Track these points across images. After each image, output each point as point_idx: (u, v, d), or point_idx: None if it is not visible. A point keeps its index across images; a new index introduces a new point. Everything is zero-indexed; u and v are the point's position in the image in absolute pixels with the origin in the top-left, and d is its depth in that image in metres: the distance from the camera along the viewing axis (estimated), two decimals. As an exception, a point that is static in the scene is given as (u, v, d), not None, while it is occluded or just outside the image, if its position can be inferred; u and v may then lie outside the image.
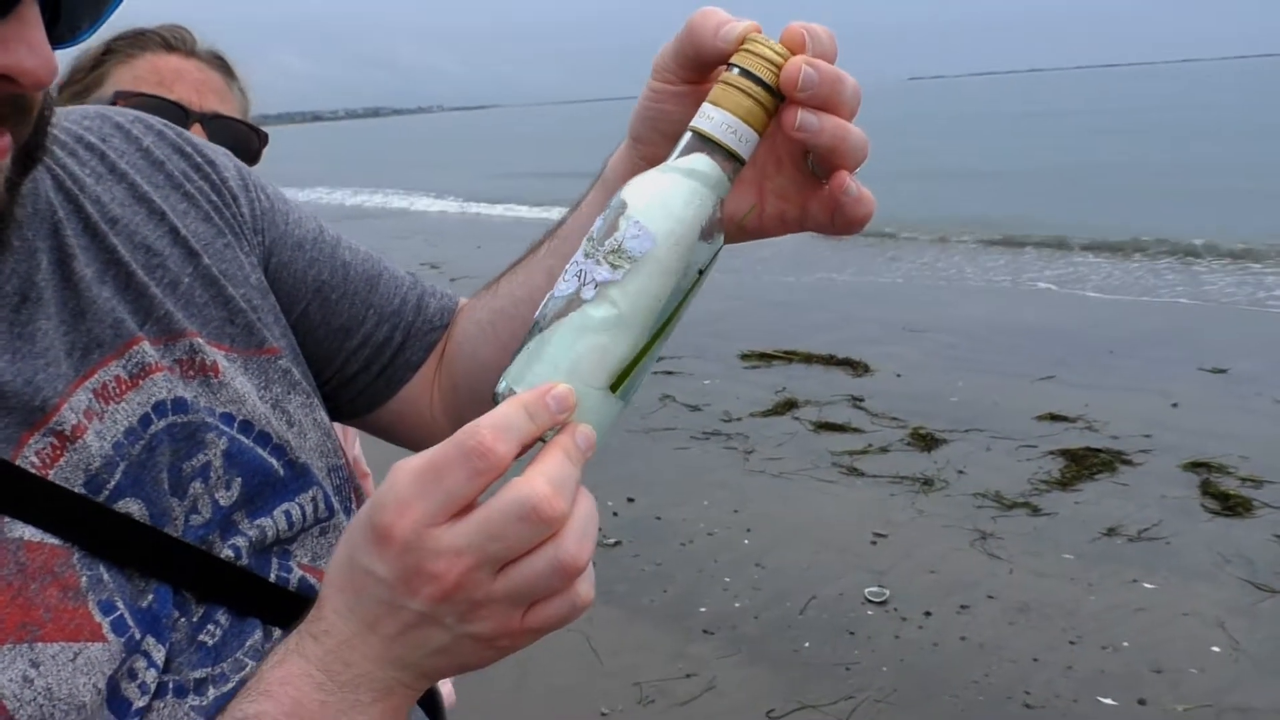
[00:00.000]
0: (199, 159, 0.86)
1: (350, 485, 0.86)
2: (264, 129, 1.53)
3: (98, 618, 0.61)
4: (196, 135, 0.95)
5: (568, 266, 0.61)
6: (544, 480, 0.54)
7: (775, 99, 0.64)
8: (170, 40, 1.48)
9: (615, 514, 4.70)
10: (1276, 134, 24.83)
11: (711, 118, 0.63)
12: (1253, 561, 4.06)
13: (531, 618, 0.57)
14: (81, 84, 1.44)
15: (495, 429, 0.54)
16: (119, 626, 0.62)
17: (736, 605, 3.93)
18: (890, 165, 20.57)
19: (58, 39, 0.58)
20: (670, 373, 7.05)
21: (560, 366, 0.59)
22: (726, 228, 0.70)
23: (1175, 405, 5.92)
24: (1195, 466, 4.98)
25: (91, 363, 0.69)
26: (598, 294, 0.59)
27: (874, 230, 13.58)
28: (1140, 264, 10.70)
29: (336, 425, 0.95)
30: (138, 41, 1.46)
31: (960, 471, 5.11)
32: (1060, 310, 8.79)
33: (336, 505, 0.81)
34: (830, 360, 7.20)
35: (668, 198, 0.61)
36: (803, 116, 0.63)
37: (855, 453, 5.44)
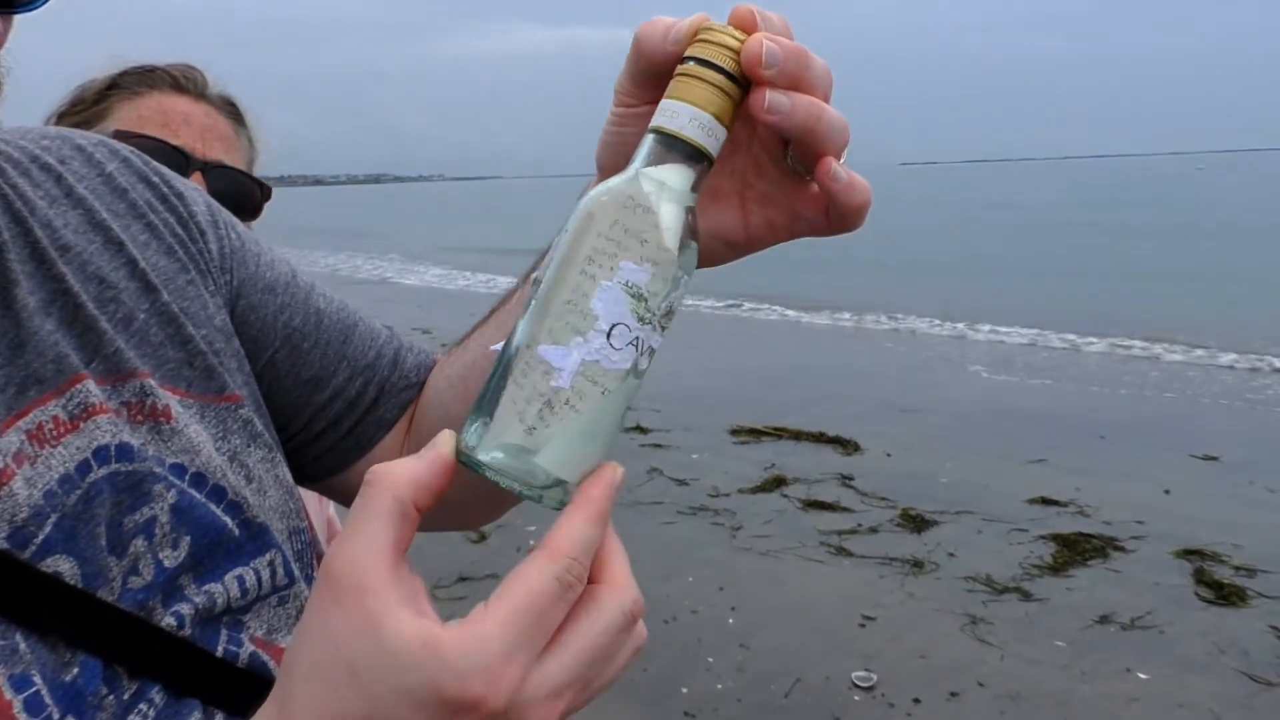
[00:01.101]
0: (166, 190, 0.81)
1: (314, 551, 0.79)
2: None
3: (8, 695, 0.54)
4: (195, 183, 0.90)
5: (610, 328, 0.53)
6: (625, 575, 0.52)
7: (739, 87, 0.58)
8: (180, 80, 1.42)
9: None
10: (1263, 233, 25.20)
11: (674, 113, 0.57)
12: (1248, 652, 3.97)
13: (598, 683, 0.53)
14: (82, 116, 1.38)
15: (583, 551, 0.50)
16: (34, 705, 0.55)
17: (719, 687, 3.82)
18: (885, 249, 20.77)
19: (9, 3, 0.56)
20: (658, 446, 6.98)
21: (609, 445, 0.55)
22: (714, 246, 0.67)
23: (1167, 492, 5.86)
24: (1188, 554, 4.91)
25: (27, 400, 0.62)
26: (648, 360, 0.55)
27: (864, 310, 13.66)
28: (1130, 352, 10.71)
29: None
30: (146, 79, 1.41)
31: (951, 554, 5.03)
32: (1050, 395, 8.77)
33: (297, 572, 0.74)
34: (820, 438, 7.14)
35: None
36: (771, 97, 0.57)
37: (844, 532, 5.35)
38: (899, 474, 6.32)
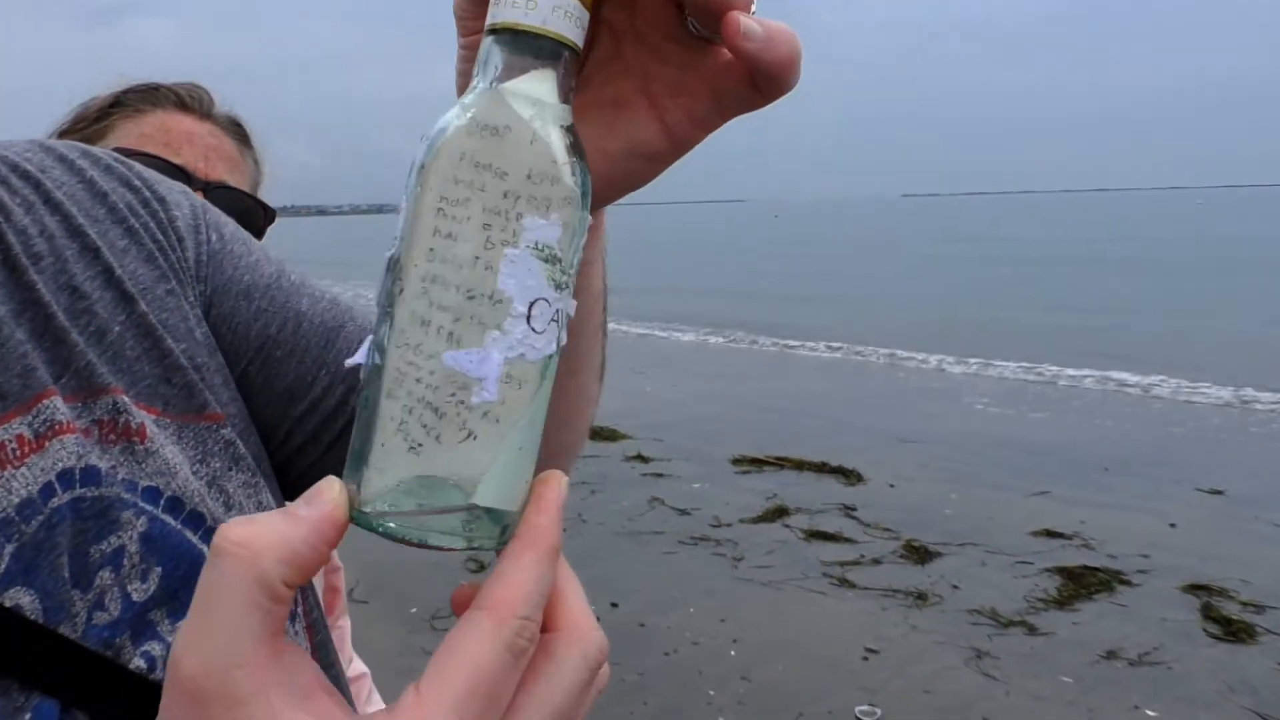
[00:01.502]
0: (148, 193, 0.76)
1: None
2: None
3: None
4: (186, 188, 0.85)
5: (529, 308, 0.42)
6: (584, 616, 0.45)
7: None
8: (185, 99, 1.39)
9: (598, 619, 4.49)
10: (1262, 268, 25.24)
11: (527, 1, 0.44)
12: (1258, 690, 3.91)
13: None
14: (83, 134, 1.35)
15: (536, 603, 0.41)
16: None
17: (721, 720, 3.76)
18: (882, 280, 20.78)
19: None
20: (659, 475, 6.94)
21: (538, 451, 0.45)
22: (633, 165, 0.55)
23: (1173, 526, 5.81)
24: (1195, 589, 4.85)
25: None
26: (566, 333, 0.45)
27: (863, 342, 13.64)
28: (1129, 385, 10.68)
29: None
30: (150, 97, 1.37)
31: (954, 586, 4.97)
32: (1051, 427, 8.72)
33: None
34: (823, 468, 7.10)
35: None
36: None
37: (847, 563, 5.30)
38: (902, 505, 6.27)
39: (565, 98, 0.45)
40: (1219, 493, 6.45)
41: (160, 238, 0.74)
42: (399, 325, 0.41)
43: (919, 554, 5.41)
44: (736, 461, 7.34)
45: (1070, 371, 11.33)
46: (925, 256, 32.58)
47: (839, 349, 13.45)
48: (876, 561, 5.33)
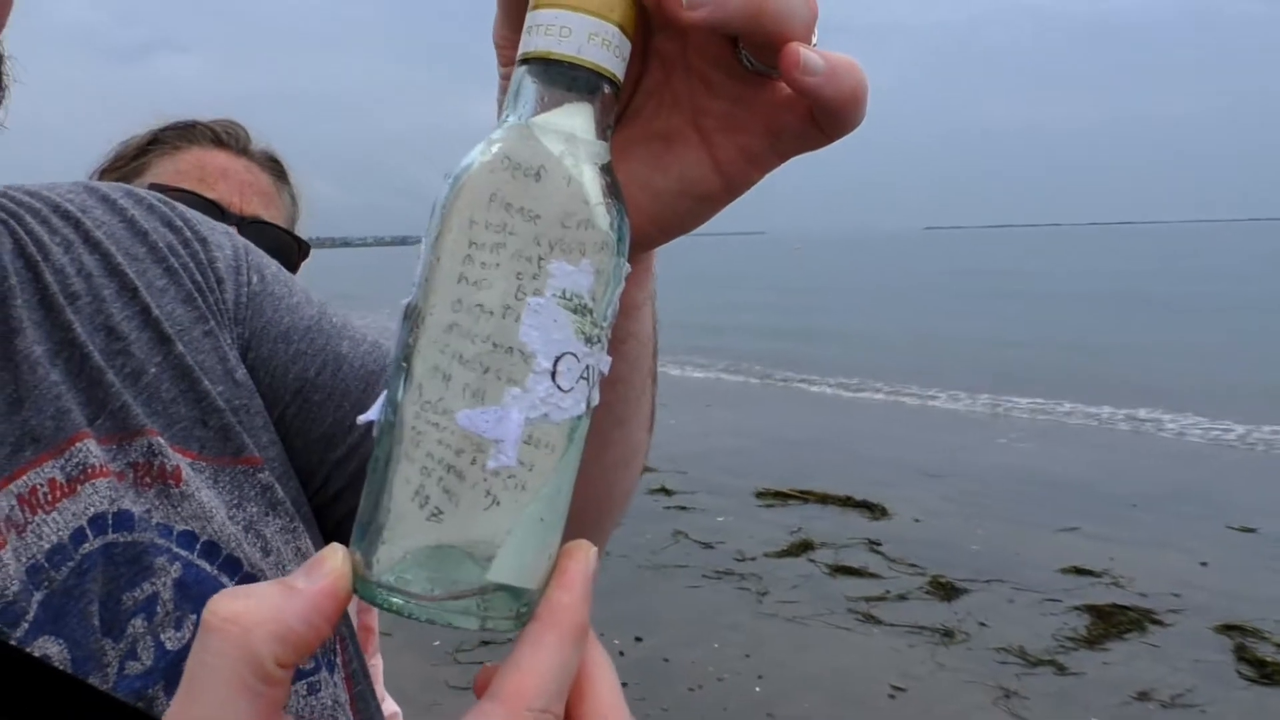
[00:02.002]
0: (189, 233, 0.75)
1: (338, 634, 0.71)
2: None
3: None
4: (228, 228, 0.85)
5: (555, 363, 0.38)
6: (613, 699, 0.40)
7: None
8: (221, 135, 1.41)
9: (621, 654, 4.51)
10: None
11: (562, 29, 0.41)
12: (1294, 735, 3.83)
13: None
14: (121, 172, 1.37)
15: (558, 691, 0.38)
16: None
17: (746, 758, 3.72)
18: (905, 317, 20.71)
19: None
20: (683, 508, 6.91)
21: (564, 521, 0.41)
22: (683, 205, 0.51)
23: (1204, 564, 5.73)
24: (1228, 629, 4.77)
25: (22, 461, 0.57)
26: (598, 391, 0.41)
27: (883, 377, 13.56)
28: (1155, 422, 10.57)
29: None
30: (186, 134, 1.40)
31: (982, 624, 4.91)
32: (1078, 461, 8.63)
33: (320, 658, 0.66)
34: (847, 501, 7.05)
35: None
36: None
37: (872, 599, 5.25)
38: (927, 540, 6.21)
39: (602, 133, 0.41)
40: (1251, 530, 6.36)
41: (200, 278, 0.72)
42: (417, 379, 0.38)
43: (945, 590, 5.35)
44: (760, 495, 7.30)
45: (1093, 409, 11.23)
46: (948, 291, 32.46)
47: (861, 383, 13.39)
48: (902, 597, 5.28)
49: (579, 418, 0.39)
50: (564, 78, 0.41)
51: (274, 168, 1.45)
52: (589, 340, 0.39)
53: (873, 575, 5.61)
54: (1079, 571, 5.59)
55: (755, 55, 0.46)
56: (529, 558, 0.39)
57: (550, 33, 0.41)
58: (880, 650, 4.66)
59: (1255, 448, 9.12)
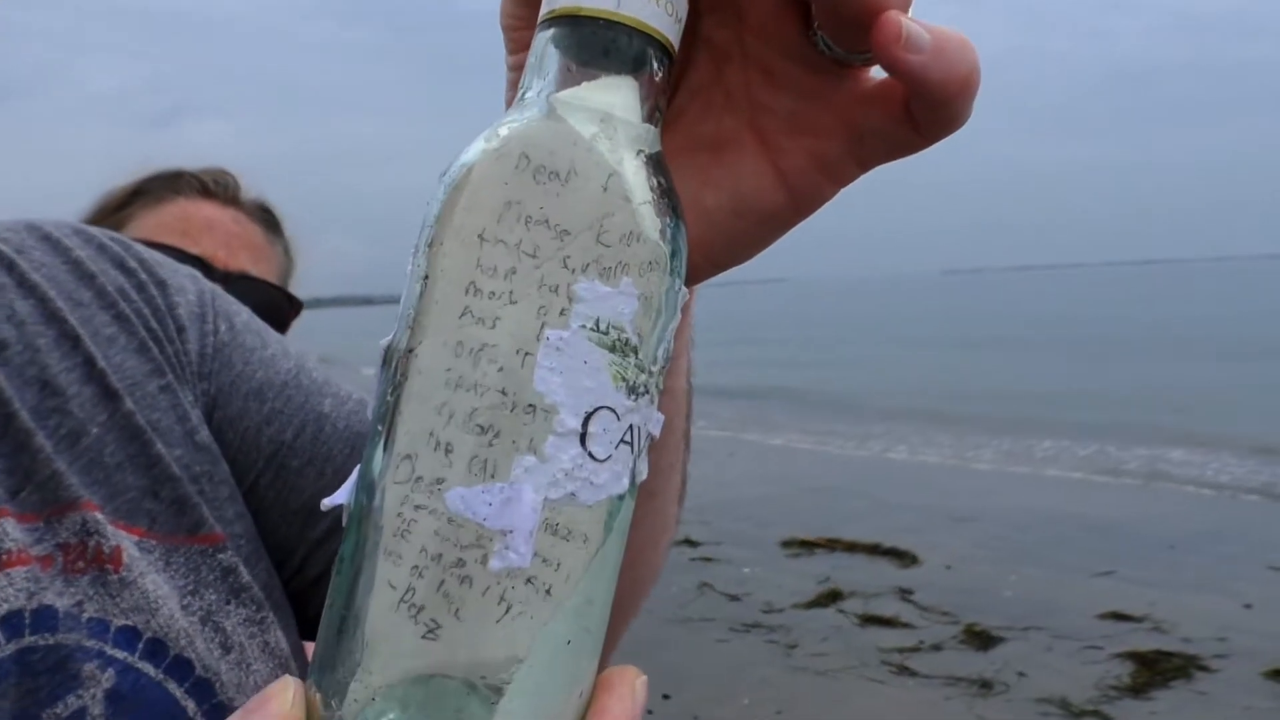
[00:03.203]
0: (145, 276, 0.65)
1: None
2: (318, 307, 1.40)
3: None
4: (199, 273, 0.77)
5: (585, 421, 0.29)
6: None
7: None
8: (209, 185, 1.33)
9: (650, 712, 4.37)
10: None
11: None
12: (1356, 786, 3.66)
13: None
14: (102, 226, 1.33)
15: None
16: None
17: (781, 820, 3.58)
18: (929, 357, 20.57)
19: None
20: (708, 560, 6.78)
21: (603, 633, 0.33)
22: (739, 227, 0.41)
23: (1248, 606, 5.54)
24: (1278, 674, 4.59)
25: None
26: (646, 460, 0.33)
27: (908, 421, 13.42)
28: (1192, 459, 10.37)
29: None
30: (171, 184, 1.32)
31: (1020, 674, 4.75)
32: (1110, 504, 8.46)
33: None
34: (875, 549, 6.90)
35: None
36: None
37: (906, 650, 5.10)
38: (960, 587, 6.05)
39: (650, 116, 0.32)
40: (1294, 570, 6.17)
41: (156, 326, 0.63)
42: (401, 448, 0.29)
43: (981, 639, 5.20)
44: (786, 544, 7.16)
45: (1122, 452, 11.05)
46: (968, 337, 32.31)
47: (885, 430, 13.26)
48: (936, 648, 5.13)
49: (619, 497, 0.30)
50: (599, 43, 0.31)
51: (266, 219, 1.38)
52: (632, 390, 0.30)
53: (905, 625, 5.46)
54: (1118, 617, 5.42)
55: (835, 36, 0.37)
56: (552, 695, 0.29)
57: None
58: (916, 703, 4.50)
59: (1292, 485, 8.91)
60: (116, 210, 1.31)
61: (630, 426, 0.30)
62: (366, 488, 0.31)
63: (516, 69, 0.40)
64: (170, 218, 1.29)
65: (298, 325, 1.41)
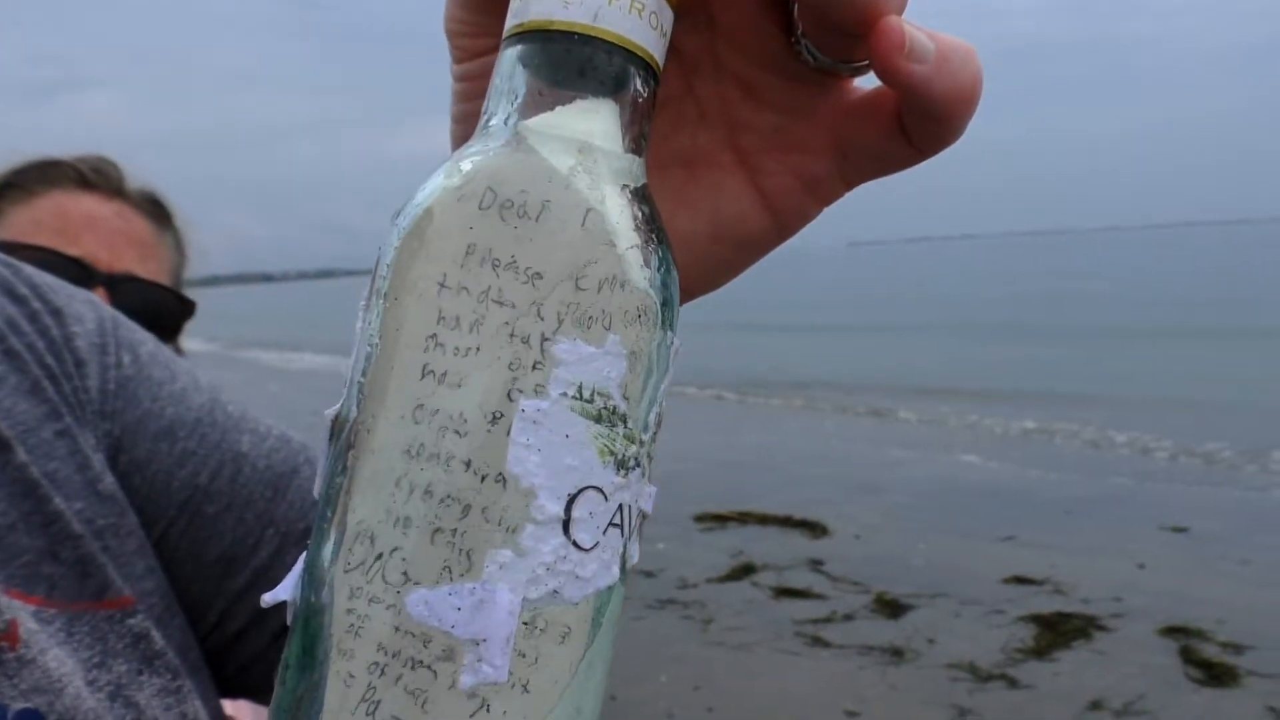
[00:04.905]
0: (38, 304, 0.58)
1: None
2: (213, 288, 1.28)
3: None
4: (98, 297, 0.68)
5: (568, 505, 0.26)
6: None
7: None
8: (88, 175, 1.19)
9: (566, 693, 4.34)
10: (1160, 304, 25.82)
11: None
12: (1246, 737, 3.82)
13: None
14: None
15: None
16: None
17: (701, 797, 3.58)
18: (838, 328, 20.91)
19: None
20: (622, 536, 6.77)
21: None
22: (716, 253, 0.38)
23: (1142, 566, 5.76)
24: (1172, 632, 4.78)
25: None
26: (638, 542, 0.30)
27: (818, 392, 13.62)
28: (1089, 425, 10.74)
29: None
30: (46, 175, 1.17)
31: (930, 640, 4.85)
32: (1010, 470, 8.71)
33: None
34: (787, 521, 6.98)
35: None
36: None
37: (819, 620, 5.16)
38: (869, 556, 6.16)
39: (634, 145, 0.28)
40: (1184, 530, 6.43)
41: (52, 361, 0.57)
42: (353, 534, 0.25)
43: (891, 608, 5.29)
44: (699, 519, 7.18)
45: (1022, 422, 11.39)
46: (877, 304, 32.97)
47: (792, 403, 13.42)
48: (849, 617, 5.20)
49: (609, 589, 0.27)
50: (574, 61, 0.27)
51: (154, 210, 1.25)
52: (621, 464, 0.26)
53: (817, 596, 5.52)
54: (1021, 581, 5.57)
55: (821, 43, 0.33)
56: None
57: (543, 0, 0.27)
58: (831, 674, 4.56)
59: (1178, 458, 9.30)
60: None
61: (620, 506, 0.27)
62: (313, 582, 0.26)
63: (464, 79, 0.36)
64: (45, 214, 1.15)
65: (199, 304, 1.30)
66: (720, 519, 7.17)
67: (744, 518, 7.14)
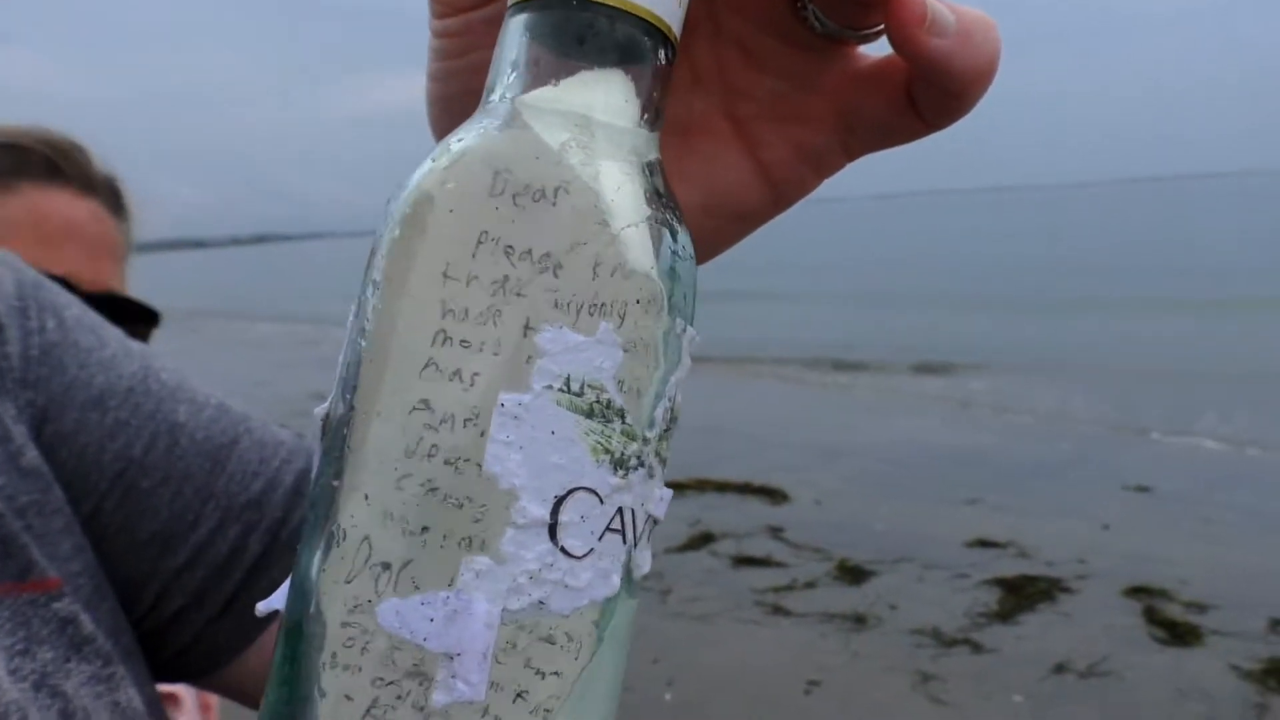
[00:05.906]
0: None
1: None
2: (143, 254, 1.17)
3: None
4: (16, 258, 0.62)
5: (554, 509, 0.24)
6: None
7: None
8: (59, 164, 1.05)
9: (520, 669, 4.21)
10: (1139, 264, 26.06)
11: None
12: (1212, 695, 3.78)
13: None
14: None
15: None
16: None
17: (660, 775, 3.47)
18: (798, 289, 20.88)
19: None
20: (579, 507, 6.64)
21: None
22: (710, 224, 0.35)
23: (1106, 527, 5.73)
24: (1136, 592, 4.74)
25: None
26: (648, 549, 0.29)
27: (775, 355, 13.55)
28: (1042, 383, 10.76)
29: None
30: (15, 163, 1.03)
31: (892, 606, 4.77)
32: (972, 433, 8.68)
33: None
34: (746, 488, 6.88)
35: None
36: None
37: (780, 589, 5.06)
38: (830, 522, 6.07)
39: (645, 118, 0.27)
40: (1146, 489, 6.41)
41: None
42: (350, 539, 0.23)
43: (853, 574, 5.20)
44: (658, 487, 7.07)
45: (977, 383, 11.40)
46: (834, 265, 33.02)
47: (754, 366, 13.34)
48: (810, 585, 5.11)
49: (609, 600, 0.25)
50: (574, 28, 0.25)
51: (117, 204, 1.13)
52: (620, 464, 0.25)
53: (778, 564, 5.43)
54: (984, 544, 5.52)
55: (830, 9, 0.32)
56: None
57: None
58: (792, 643, 4.46)
59: (1140, 421, 9.34)
60: None
61: (619, 510, 0.25)
62: (303, 593, 0.25)
63: (443, 35, 0.34)
64: (19, 212, 1.01)
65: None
66: (678, 487, 7.04)
67: (701, 485, 7.03)
